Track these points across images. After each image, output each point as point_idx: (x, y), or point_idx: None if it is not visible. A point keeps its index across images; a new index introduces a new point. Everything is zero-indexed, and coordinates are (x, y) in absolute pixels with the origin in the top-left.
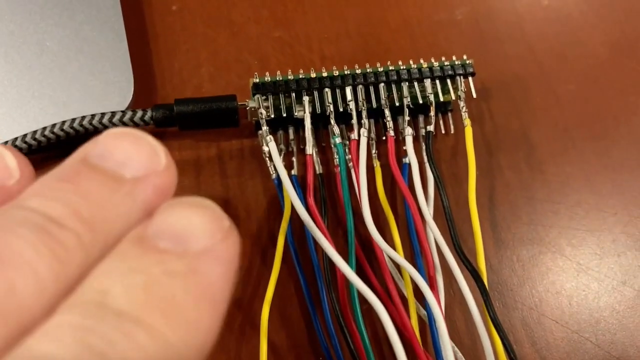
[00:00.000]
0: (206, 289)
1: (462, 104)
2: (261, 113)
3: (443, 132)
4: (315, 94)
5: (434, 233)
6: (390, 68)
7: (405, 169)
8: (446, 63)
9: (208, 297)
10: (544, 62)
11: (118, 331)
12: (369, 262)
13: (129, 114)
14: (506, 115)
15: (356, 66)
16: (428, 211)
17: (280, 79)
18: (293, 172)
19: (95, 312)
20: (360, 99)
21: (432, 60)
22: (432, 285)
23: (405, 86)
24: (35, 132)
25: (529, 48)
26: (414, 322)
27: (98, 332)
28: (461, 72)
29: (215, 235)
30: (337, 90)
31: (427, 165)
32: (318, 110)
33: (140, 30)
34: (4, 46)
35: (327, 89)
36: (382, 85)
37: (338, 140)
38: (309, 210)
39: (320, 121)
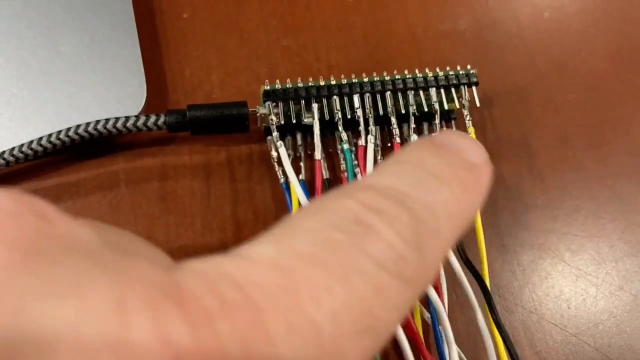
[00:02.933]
0: (477, 189)
1: (465, 112)
2: (271, 119)
3: None
4: (324, 101)
5: None
6: (397, 77)
7: None
8: (451, 72)
9: (476, 194)
10: (545, 72)
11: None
12: None
13: (142, 118)
14: (507, 124)
15: (363, 75)
16: None
17: (290, 86)
18: (300, 177)
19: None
20: (368, 107)
21: (437, 69)
22: (436, 287)
23: (411, 94)
24: (50, 135)
25: (530, 58)
26: (418, 324)
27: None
28: (465, 81)
29: (484, 157)
30: (345, 98)
31: None
32: (326, 117)
33: (152, 36)
34: (20, 50)
35: (335, 97)
36: (388, 93)
37: (346, 146)
38: None
39: (326, 128)
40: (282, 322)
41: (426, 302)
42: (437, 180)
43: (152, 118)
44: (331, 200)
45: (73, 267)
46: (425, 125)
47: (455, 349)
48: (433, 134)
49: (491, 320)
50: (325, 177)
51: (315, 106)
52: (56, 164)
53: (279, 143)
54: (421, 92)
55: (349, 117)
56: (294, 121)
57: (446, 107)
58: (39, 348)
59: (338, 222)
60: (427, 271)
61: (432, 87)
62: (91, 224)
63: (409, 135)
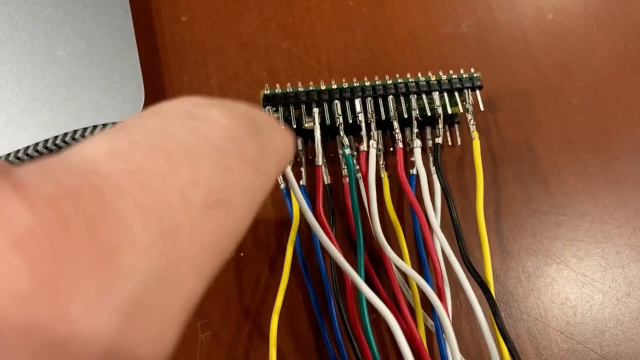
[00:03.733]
0: (290, 146)
1: (469, 116)
2: None
3: (450, 143)
4: (325, 105)
5: (441, 243)
6: (399, 81)
7: (413, 180)
8: (454, 76)
9: (290, 150)
10: (549, 76)
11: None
12: (376, 273)
13: None
14: (511, 128)
15: (365, 78)
16: (436, 222)
17: (290, 90)
18: (301, 182)
19: None
20: (369, 111)
21: (440, 73)
22: (440, 296)
23: (413, 99)
24: (46, 141)
25: (534, 61)
26: (422, 333)
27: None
28: (469, 85)
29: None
30: (347, 102)
31: (434, 176)
32: (327, 122)
33: (151, 40)
34: (17, 55)
35: (336, 101)
36: (390, 97)
37: (347, 151)
38: (317, 219)
39: (328, 132)
40: (130, 203)
41: (430, 309)
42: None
43: None
44: (164, 104)
45: None
46: (428, 130)
47: (459, 357)
48: None
49: (496, 328)
50: (326, 183)
51: (316, 110)
52: None
53: None
54: (424, 96)
55: (350, 121)
56: (295, 126)
57: (449, 111)
58: None
59: (173, 118)
60: (270, 159)
61: (435, 90)
62: None
63: (411, 140)
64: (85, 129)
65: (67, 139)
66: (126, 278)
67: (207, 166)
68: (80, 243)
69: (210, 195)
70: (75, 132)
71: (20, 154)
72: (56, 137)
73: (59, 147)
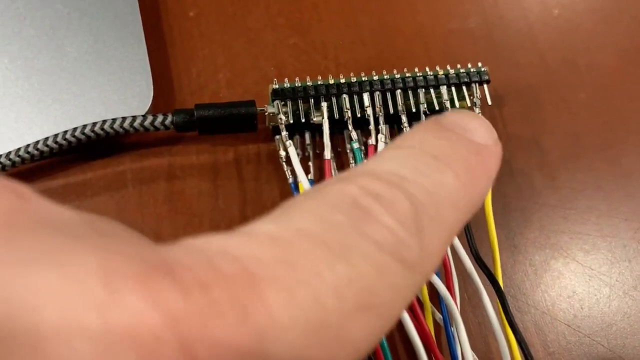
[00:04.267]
0: (484, 172)
1: (477, 110)
2: (280, 118)
3: None
4: (333, 100)
5: None
6: (407, 75)
7: None
8: (462, 70)
9: (483, 177)
10: (555, 71)
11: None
12: None
13: (149, 118)
14: (518, 123)
15: (373, 73)
16: None
17: (299, 85)
18: (309, 176)
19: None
20: (378, 105)
21: (448, 67)
22: (449, 288)
23: (421, 92)
24: (56, 135)
25: (540, 56)
26: (430, 326)
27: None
28: (476, 79)
29: (492, 137)
30: (355, 97)
31: None
32: (336, 116)
33: (158, 35)
34: (25, 51)
35: (344, 95)
36: (398, 91)
37: (356, 145)
38: None
39: (335, 127)
40: (282, 294)
41: (438, 302)
42: (440, 164)
43: (160, 118)
44: (331, 185)
45: (50, 239)
46: None
47: (468, 349)
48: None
49: (505, 321)
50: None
51: (324, 105)
52: (62, 165)
53: (288, 143)
54: (432, 90)
55: (358, 115)
56: (303, 120)
57: (457, 105)
58: (17, 330)
59: (337, 205)
60: (431, 258)
61: (442, 84)
62: (73, 208)
63: None
64: (94, 124)
65: (77, 133)
66: None
67: (362, 266)
68: (230, 329)
69: (362, 296)
70: (84, 126)
71: (30, 149)
72: (65, 132)
73: (69, 142)
